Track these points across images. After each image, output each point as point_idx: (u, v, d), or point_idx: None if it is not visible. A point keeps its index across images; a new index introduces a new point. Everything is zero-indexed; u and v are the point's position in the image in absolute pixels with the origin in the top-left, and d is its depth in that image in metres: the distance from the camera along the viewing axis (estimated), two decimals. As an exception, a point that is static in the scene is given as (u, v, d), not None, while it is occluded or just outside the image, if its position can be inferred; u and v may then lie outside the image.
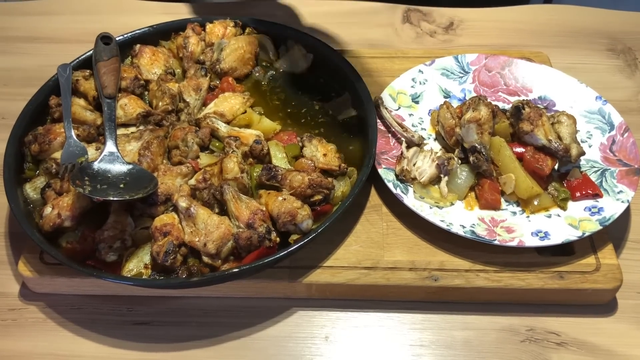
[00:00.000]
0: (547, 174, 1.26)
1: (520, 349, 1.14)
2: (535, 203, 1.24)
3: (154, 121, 1.35)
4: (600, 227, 1.19)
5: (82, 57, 1.46)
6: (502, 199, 1.27)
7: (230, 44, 1.48)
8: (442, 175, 1.30)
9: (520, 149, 1.30)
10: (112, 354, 1.15)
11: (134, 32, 1.53)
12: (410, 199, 1.26)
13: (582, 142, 1.34)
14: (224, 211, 1.20)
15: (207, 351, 1.15)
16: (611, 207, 1.23)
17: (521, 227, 1.22)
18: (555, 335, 1.15)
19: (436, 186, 1.30)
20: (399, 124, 1.38)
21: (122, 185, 1.18)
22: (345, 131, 1.40)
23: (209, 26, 1.53)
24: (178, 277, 1.14)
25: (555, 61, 1.57)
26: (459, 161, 1.31)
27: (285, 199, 1.18)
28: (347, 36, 1.74)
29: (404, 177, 1.29)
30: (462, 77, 1.50)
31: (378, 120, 1.36)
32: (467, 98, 1.45)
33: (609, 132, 1.36)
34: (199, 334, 1.17)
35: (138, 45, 1.49)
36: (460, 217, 1.24)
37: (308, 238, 1.14)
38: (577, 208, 1.25)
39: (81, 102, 1.38)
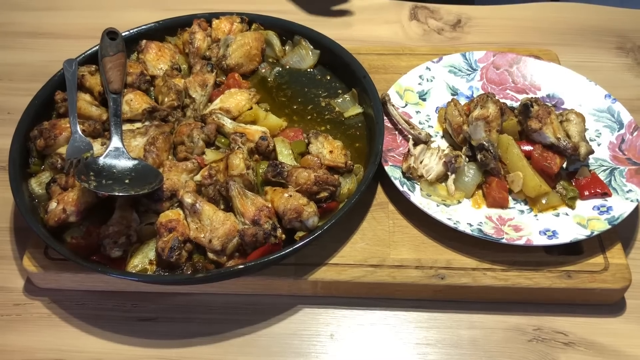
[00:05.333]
0: (555, 173, 1.25)
1: (527, 348, 1.13)
2: (544, 202, 1.23)
3: (160, 117, 1.35)
4: (609, 227, 1.18)
5: (88, 53, 1.45)
6: (510, 197, 1.26)
7: (237, 39, 1.48)
8: (449, 173, 1.29)
9: (528, 147, 1.29)
10: (117, 350, 1.14)
11: (140, 28, 1.52)
12: (417, 197, 1.25)
13: (591, 140, 1.33)
14: (229, 207, 1.20)
15: (212, 348, 1.14)
16: (620, 206, 1.22)
17: (529, 226, 1.21)
18: (562, 335, 1.14)
19: (443, 184, 1.29)
20: (406, 121, 1.37)
21: (127, 181, 1.18)
22: (351, 128, 1.39)
23: (215, 22, 1.53)
24: (183, 273, 1.14)
25: (563, 59, 1.55)
26: (467, 159, 1.30)
27: (291, 196, 1.17)
28: (354, 33, 1.73)
29: (410, 175, 1.28)
30: (469, 74, 1.48)
31: (385, 118, 1.35)
32: (474, 96, 1.44)
33: (618, 131, 1.34)
34: (203, 330, 1.16)
35: (144, 41, 1.48)
36: (468, 215, 1.23)
37: (314, 235, 1.13)
38: (585, 207, 1.23)
39: (87, 97, 1.37)
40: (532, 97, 1.34)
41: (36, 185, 1.25)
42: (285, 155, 1.29)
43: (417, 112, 1.42)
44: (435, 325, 1.16)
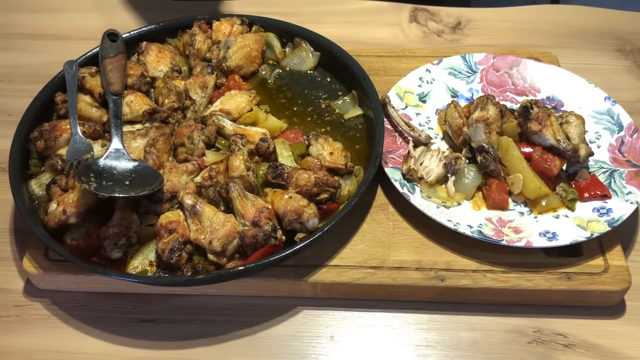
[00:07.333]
0: (555, 175, 1.26)
1: (527, 350, 1.13)
2: (543, 203, 1.24)
3: (160, 118, 1.35)
4: (608, 228, 1.18)
5: (88, 54, 1.45)
6: (510, 199, 1.27)
7: (237, 41, 1.48)
8: (449, 175, 1.30)
9: (528, 149, 1.29)
10: (116, 352, 1.14)
11: (141, 29, 1.52)
12: (417, 199, 1.25)
13: (591, 142, 1.33)
14: (229, 209, 1.20)
15: (212, 349, 1.14)
16: (620, 208, 1.22)
17: (529, 228, 1.21)
18: (562, 336, 1.14)
19: (443, 186, 1.29)
20: (406, 123, 1.37)
21: (127, 182, 1.18)
22: (351, 130, 1.39)
23: (215, 24, 1.53)
24: (183, 274, 1.14)
25: (563, 61, 1.56)
26: (467, 161, 1.31)
27: (291, 197, 1.17)
28: (354, 35, 1.73)
29: (410, 177, 1.28)
30: (469, 76, 1.49)
31: (385, 119, 1.36)
32: (474, 98, 1.44)
33: (618, 133, 1.35)
34: (203, 332, 1.16)
35: (144, 43, 1.48)
36: (468, 217, 1.24)
37: (314, 237, 1.13)
38: (585, 209, 1.24)
39: (87, 98, 1.37)
40: (532, 99, 1.34)
41: (36, 186, 1.25)
42: (285, 157, 1.29)
43: (417, 114, 1.42)
44: (435, 327, 1.16)
